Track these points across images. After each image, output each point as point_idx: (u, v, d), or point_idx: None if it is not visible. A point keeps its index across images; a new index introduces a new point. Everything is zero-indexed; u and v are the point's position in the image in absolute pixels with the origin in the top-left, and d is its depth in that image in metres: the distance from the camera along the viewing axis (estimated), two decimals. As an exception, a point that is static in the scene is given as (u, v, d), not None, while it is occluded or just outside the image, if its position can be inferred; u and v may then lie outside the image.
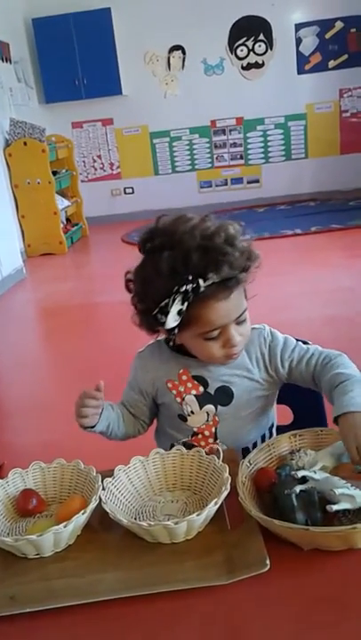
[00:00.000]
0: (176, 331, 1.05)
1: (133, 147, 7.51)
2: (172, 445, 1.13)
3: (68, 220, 6.87)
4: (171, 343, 1.19)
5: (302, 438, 1.08)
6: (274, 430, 1.31)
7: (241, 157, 7.55)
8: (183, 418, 1.20)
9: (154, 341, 1.21)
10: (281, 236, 5.78)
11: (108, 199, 7.68)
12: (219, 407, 1.18)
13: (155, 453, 1.10)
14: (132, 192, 7.67)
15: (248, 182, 7.61)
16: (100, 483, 0.99)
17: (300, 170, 7.41)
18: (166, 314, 1.01)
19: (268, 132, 7.43)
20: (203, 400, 1.18)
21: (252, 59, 7.16)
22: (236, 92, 7.20)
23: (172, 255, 1.00)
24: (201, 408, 1.18)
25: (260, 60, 7.16)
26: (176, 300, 0.99)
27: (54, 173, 6.29)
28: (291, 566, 0.86)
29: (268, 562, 0.83)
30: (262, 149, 7.51)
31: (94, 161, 7.63)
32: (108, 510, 0.94)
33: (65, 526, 0.90)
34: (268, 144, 7.48)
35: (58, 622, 0.82)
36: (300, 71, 7.16)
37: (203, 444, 1.19)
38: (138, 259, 1.12)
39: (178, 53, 7.17)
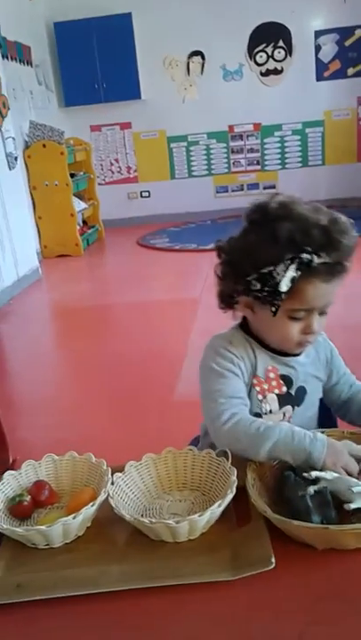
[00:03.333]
0: (282, 298, 1.04)
1: (151, 150, 7.55)
2: None
3: (84, 222, 6.91)
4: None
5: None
6: None
7: (258, 163, 7.56)
8: (258, 415, 1.17)
9: (233, 331, 1.19)
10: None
11: (125, 202, 7.72)
12: (295, 407, 1.19)
13: (167, 452, 1.11)
14: (149, 196, 7.71)
15: (264, 188, 7.61)
16: (109, 476, 1.01)
17: (316, 176, 7.41)
18: (264, 281, 1.03)
19: (286, 138, 7.44)
20: (283, 400, 1.18)
21: (271, 65, 7.17)
22: (254, 98, 7.22)
23: (293, 227, 1.02)
24: (280, 408, 1.18)
25: (278, 66, 7.17)
26: (290, 267, 1.01)
27: (72, 176, 6.35)
28: (296, 564, 0.87)
29: (273, 560, 0.84)
30: (279, 155, 7.52)
31: (112, 164, 7.68)
32: (113, 505, 0.95)
33: (74, 518, 0.92)
34: (286, 150, 7.49)
35: (62, 612, 0.83)
36: (319, 78, 7.16)
37: None
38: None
39: (197, 59, 7.21)
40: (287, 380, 1.18)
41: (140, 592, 0.84)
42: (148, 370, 3.23)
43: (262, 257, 1.03)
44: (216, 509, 0.92)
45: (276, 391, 1.17)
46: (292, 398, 1.18)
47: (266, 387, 1.17)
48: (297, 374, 1.18)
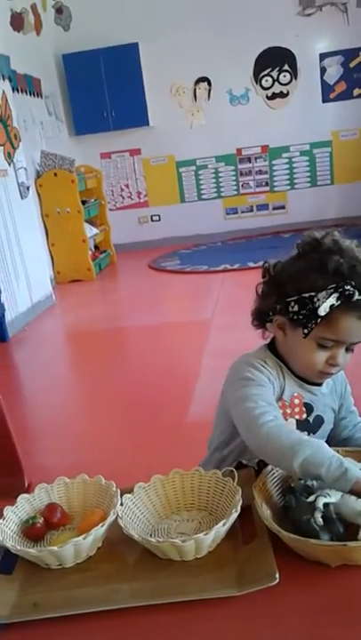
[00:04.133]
0: (317, 322, 1.09)
1: (160, 175, 7.66)
2: (240, 463, 1.15)
3: (96, 247, 7.01)
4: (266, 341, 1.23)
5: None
6: None
7: (266, 184, 7.64)
8: None
9: (264, 352, 1.23)
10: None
11: (136, 227, 7.83)
12: (310, 435, 1.22)
13: (174, 473, 1.14)
14: (159, 219, 7.81)
15: (274, 208, 7.69)
16: (118, 497, 1.04)
17: (325, 196, 7.46)
18: (302, 304, 1.10)
19: (294, 160, 7.52)
20: (301, 426, 1.22)
21: (277, 88, 7.29)
22: (261, 121, 7.32)
23: (342, 260, 1.09)
24: None
25: (284, 89, 7.28)
26: (332, 295, 1.06)
27: (83, 203, 6.46)
28: (301, 580, 0.89)
29: (277, 575, 0.86)
30: (288, 176, 7.59)
31: (122, 190, 7.80)
32: (122, 525, 0.98)
33: (84, 538, 0.95)
34: (294, 171, 7.56)
35: (74, 629, 0.86)
36: (325, 99, 7.25)
37: None
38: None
39: (204, 85, 7.34)
40: (308, 408, 1.22)
41: (148, 608, 0.86)
42: (161, 392, 3.26)
43: (308, 283, 1.10)
44: (221, 528, 0.95)
45: (297, 417, 1.21)
46: (309, 425, 1.22)
47: (289, 411, 1.21)
48: (318, 403, 1.23)
